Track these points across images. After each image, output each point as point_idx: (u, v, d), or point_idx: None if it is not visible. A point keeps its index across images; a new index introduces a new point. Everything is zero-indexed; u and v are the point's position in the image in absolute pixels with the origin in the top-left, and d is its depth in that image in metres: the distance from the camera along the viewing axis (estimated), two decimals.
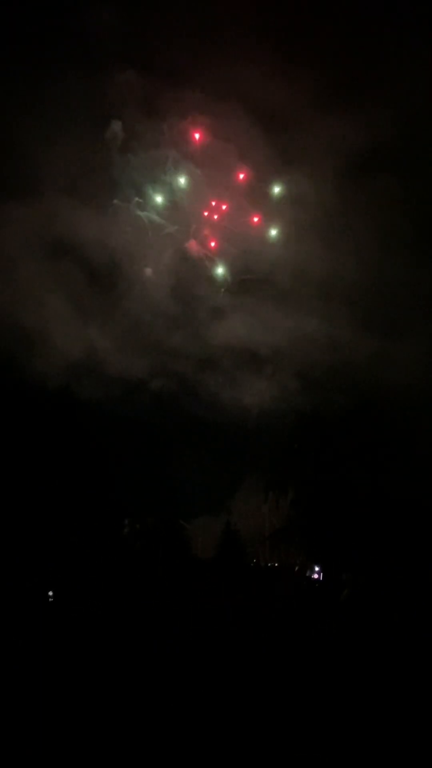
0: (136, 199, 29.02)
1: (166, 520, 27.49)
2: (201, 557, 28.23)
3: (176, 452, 30.13)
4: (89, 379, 26.22)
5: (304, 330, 27.44)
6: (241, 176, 29.00)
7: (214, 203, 29.41)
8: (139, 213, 29.19)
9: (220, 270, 29.89)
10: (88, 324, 28.32)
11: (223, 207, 29.36)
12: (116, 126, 27.33)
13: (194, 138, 28.52)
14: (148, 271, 29.68)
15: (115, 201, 28.75)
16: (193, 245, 29.70)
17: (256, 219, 29.41)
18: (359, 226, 27.45)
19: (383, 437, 21.44)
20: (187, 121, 28.70)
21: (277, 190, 28.32)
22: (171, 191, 29.10)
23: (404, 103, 24.27)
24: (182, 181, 28.57)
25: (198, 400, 29.88)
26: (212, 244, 29.85)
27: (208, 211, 29.66)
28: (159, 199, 29.01)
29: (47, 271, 26.79)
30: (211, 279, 29.83)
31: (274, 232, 28.94)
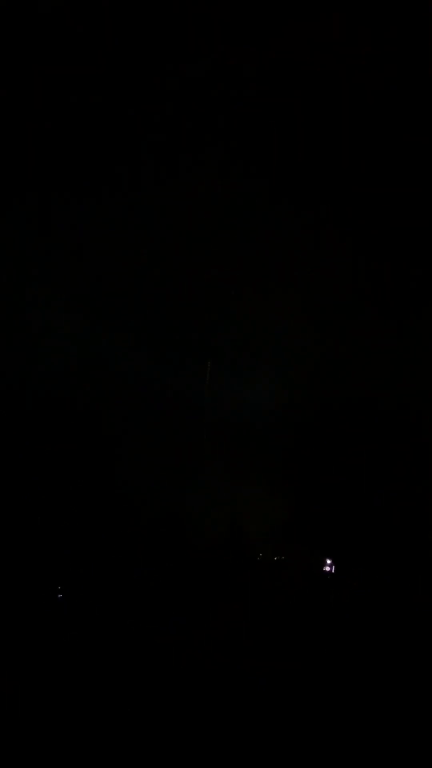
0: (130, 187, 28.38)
1: (171, 514, 27.53)
2: (206, 551, 28.28)
3: (181, 446, 30.08)
4: (90, 376, 26.03)
5: (310, 320, 27.10)
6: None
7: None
8: (136, 198, 28.39)
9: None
10: (86, 318, 27.96)
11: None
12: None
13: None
14: (145, 260, 29.09)
15: (111, 188, 28.03)
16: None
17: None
18: (360, 206, 26.71)
19: (391, 429, 21.36)
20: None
21: None
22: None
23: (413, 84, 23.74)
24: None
25: (202, 393, 29.83)
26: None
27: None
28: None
29: (42, 265, 26.34)
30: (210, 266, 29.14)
31: None
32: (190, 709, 3.07)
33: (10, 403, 19.93)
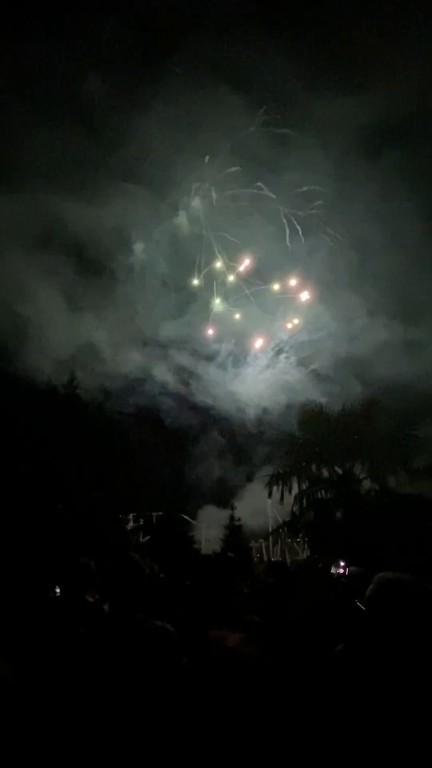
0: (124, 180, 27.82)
1: (170, 514, 27.45)
2: (205, 552, 28.22)
3: (182, 445, 29.97)
4: (91, 373, 25.98)
5: (311, 318, 26.95)
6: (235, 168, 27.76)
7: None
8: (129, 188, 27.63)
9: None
10: (87, 316, 27.89)
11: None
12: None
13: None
14: (141, 251, 28.68)
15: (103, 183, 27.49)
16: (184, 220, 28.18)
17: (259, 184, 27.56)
18: (369, 209, 26.57)
19: (391, 429, 21.28)
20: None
21: None
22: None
23: (412, 78, 23.65)
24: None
25: (203, 392, 29.74)
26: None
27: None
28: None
29: (38, 262, 26.25)
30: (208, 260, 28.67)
31: None
32: (189, 709, 3.03)
33: (10, 402, 19.91)
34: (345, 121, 25.18)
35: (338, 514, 19.65)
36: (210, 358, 30.07)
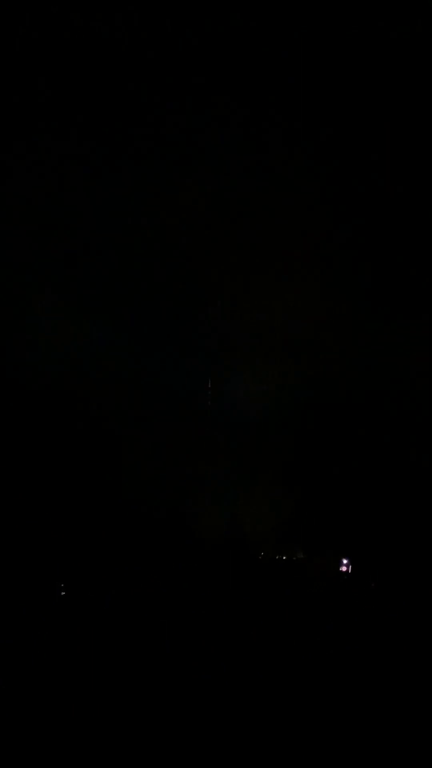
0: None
1: (172, 512, 27.30)
2: (207, 549, 28.08)
3: (182, 443, 29.79)
4: (92, 376, 25.67)
5: (309, 315, 26.57)
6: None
7: None
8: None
9: None
10: (87, 319, 27.43)
11: None
12: None
13: None
14: (145, 258, 28.16)
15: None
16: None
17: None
18: (361, 199, 25.82)
19: (392, 426, 21.13)
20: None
21: None
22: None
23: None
24: None
25: (203, 390, 29.58)
26: None
27: None
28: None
29: (34, 256, 25.62)
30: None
31: None
32: (190, 706, 3.03)
33: (13, 403, 19.89)
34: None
35: (339, 510, 19.56)
36: (214, 359, 29.88)
